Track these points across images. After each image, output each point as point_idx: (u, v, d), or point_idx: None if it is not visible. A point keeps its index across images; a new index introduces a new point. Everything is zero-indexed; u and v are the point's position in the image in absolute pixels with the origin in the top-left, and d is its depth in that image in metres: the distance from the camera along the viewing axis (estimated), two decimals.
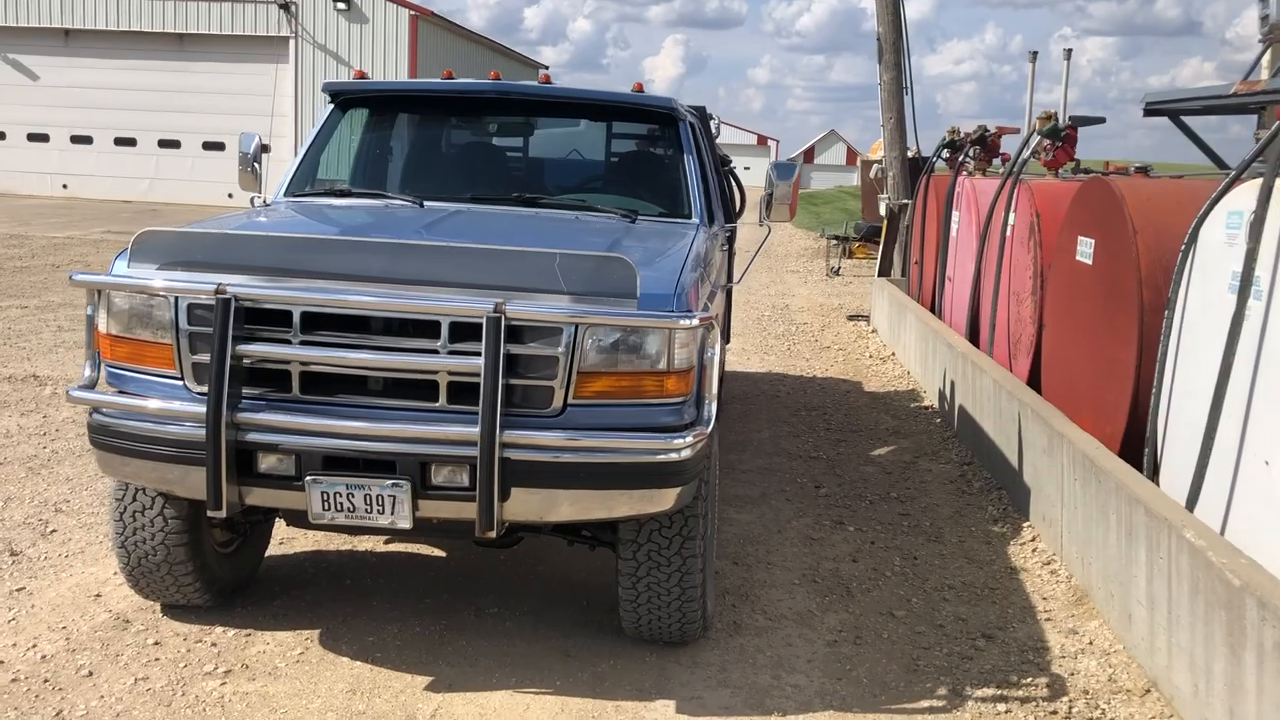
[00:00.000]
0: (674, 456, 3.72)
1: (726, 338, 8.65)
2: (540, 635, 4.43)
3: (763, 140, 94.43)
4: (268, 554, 4.96)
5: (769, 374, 10.22)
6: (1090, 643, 4.60)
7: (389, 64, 27.91)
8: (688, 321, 3.71)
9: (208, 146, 28.45)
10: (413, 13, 28.28)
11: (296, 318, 3.68)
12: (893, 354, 11.26)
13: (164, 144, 28.93)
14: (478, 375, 3.58)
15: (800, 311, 14.59)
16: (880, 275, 14.29)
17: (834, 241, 20.40)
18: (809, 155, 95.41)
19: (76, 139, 29.30)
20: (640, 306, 3.66)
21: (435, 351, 3.66)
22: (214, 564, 4.43)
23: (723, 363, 8.53)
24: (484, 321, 3.55)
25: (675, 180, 5.49)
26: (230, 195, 25.46)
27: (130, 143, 29.18)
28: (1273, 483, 4.02)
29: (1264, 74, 7.70)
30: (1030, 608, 4.97)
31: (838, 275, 18.90)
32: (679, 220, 5.26)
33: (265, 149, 5.77)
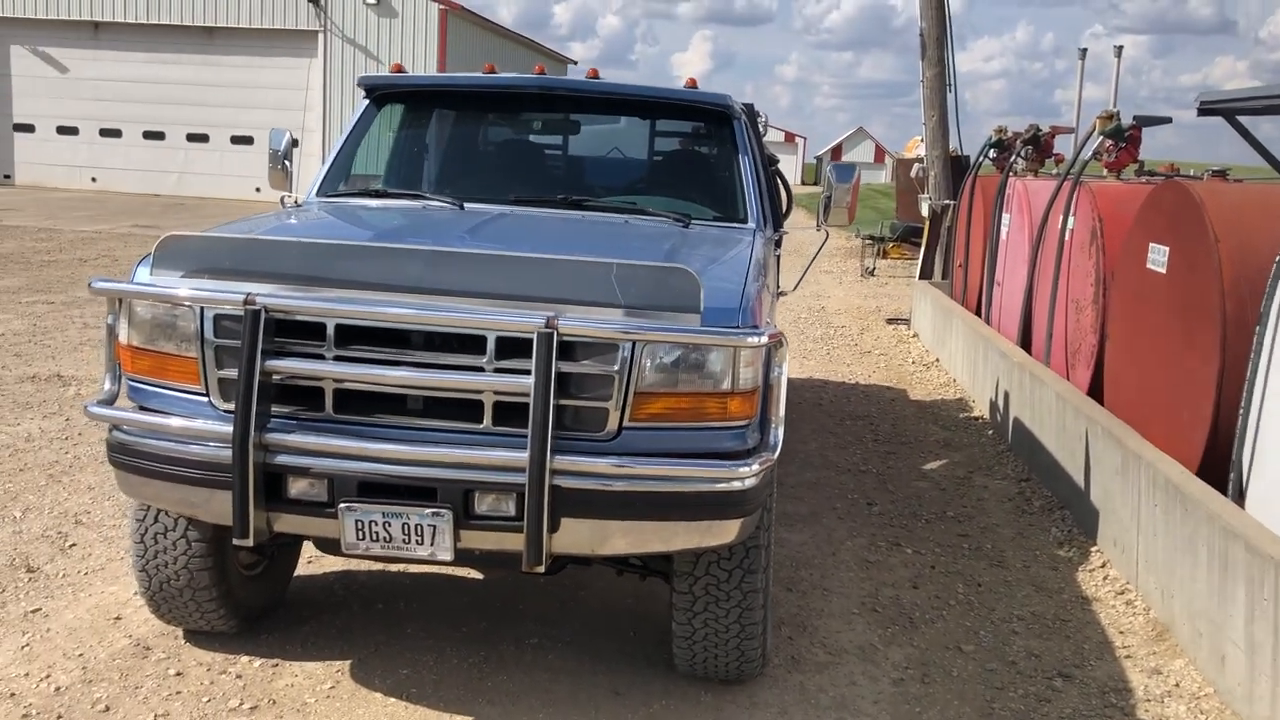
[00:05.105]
0: (738, 485, 3.41)
1: None
2: (585, 670, 4.14)
3: (790, 137, 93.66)
4: (295, 574, 4.70)
5: (810, 380, 9.88)
6: (1177, 684, 4.27)
7: (418, 58, 27.68)
8: (756, 339, 3.40)
9: (236, 140, 28.32)
10: (442, 7, 28.02)
11: (331, 331, 3.39)
12: (936, 360, 10.91)
13: (192, 138, 28.82)
14: (526, 395, 3.28)
15: (837, 314, 14.24)
16: (921, 278, 13.92)
17: (869, 241, 19.99)
18: (836, 153, 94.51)
19: (105, 132, 29.19)
20: (704, 321, 3.35)
21: (480, 369, 3.37)
22: (239, 588, 4.16)
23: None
24: (534, 337, 3.26)
25: (729, 182, 5.16)
26: (258, 190, 25.31)
27: (159, 136, 29.07)
28: None
29: None
30: (1107, 643, 4.64)
31: (873, 276, 18.52)
32: (735, 225, 4.93)
33: (295, 144, 5.51)
